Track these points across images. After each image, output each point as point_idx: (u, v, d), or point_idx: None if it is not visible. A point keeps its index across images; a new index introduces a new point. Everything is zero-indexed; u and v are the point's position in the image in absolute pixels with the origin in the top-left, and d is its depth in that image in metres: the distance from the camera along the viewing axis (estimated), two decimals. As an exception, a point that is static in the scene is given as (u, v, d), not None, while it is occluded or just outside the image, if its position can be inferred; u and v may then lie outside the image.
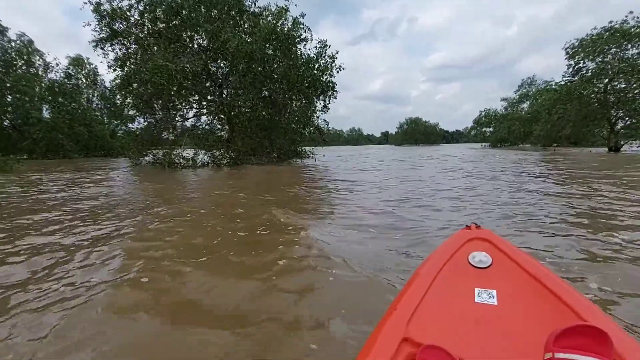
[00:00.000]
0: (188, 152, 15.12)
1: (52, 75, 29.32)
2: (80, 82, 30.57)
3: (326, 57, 16.45)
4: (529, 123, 45.55)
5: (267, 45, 13.64)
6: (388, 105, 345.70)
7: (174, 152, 14.23)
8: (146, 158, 15.12)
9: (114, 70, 14.95)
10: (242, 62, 13.14)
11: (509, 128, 47.95)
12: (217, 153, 15.11)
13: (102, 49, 14.76)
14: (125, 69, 14.63)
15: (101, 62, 14.75)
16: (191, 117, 16.37)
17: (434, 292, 1.00)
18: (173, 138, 14.91)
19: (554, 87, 24.83)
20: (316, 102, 17.22)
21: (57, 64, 28.55)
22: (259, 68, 13.89)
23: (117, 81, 14.74)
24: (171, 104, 14.00)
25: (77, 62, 29.80)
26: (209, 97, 15.59)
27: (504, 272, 1.04)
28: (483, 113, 55.52)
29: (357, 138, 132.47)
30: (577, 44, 22.34)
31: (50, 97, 28.09)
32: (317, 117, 17.95)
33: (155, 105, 14.75)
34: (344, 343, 1.46)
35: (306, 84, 15.48)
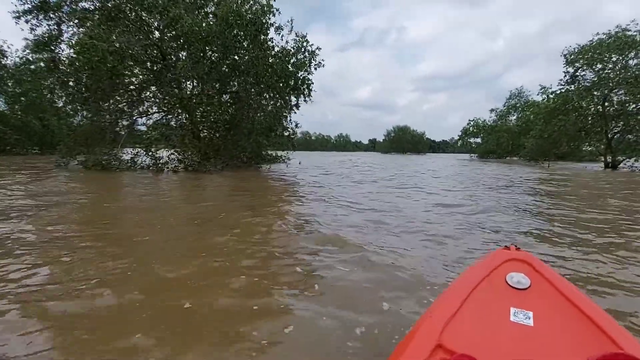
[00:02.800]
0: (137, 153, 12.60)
1: (8, 61, 25.95)
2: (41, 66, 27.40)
3: (305, 52, 14.22)
4: (517, 135, 44.67)
5: (229, 30, 11.23)
6: (376, 112, 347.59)
7: (109, 152, 11.63)
8: (78, 158, 12.39)
9: (41, 50, 12.24)
10: (197, 47, 10.74)
11: (497, 140, 46.88)
12: (167, 154, 12.62)
13: (26, 22, 12.06)
14: (55, 50, 11.99)
15: (25, 38, 12.31)
16: (141, 114, 13.71)
17: (470, 305, 0.99)
18: (112, 137, 12.20)
19: (549, 95, 23.21)
20: (289, 101, 14.93)
21: (9, 47, 25.12)
22: (217, 55, 11.51)
23: (40, 64, 11.98)
24: (103, 93, 11.29)
25: (38, 46, 26.79)
26: (158, 89, 12.97)
27: (542, 295, 1.03)
28: (472, 123, 54.47)
29: (344, 144, 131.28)
30: (576, 50, 20.83)
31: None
32: (288, 118, 15.64)
33: (92, 96, 12.08)
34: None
35: (276, 79, 13.15)
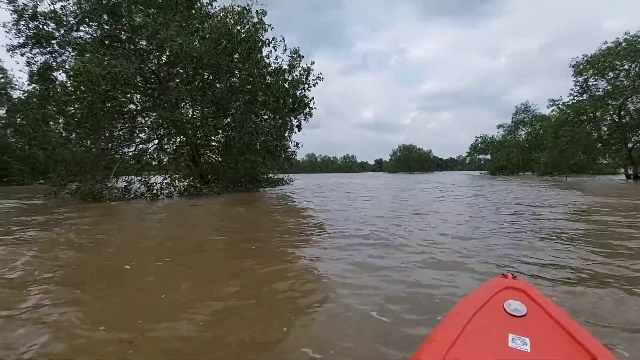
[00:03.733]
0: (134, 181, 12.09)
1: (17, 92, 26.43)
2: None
3: (300, 69, 13.85)
4: (528, 150, 43.46)
5: (220, 49, 10.87)
6: (381, 133, 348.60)
7: (102, 181, 11.06)
8: (69, 187, 11.84)
9: (37, 81, 12.03)
10: (188, 67, 10.37)
11: (507, 155, 45.69)
12: (161, 180, 12.07)
13: (21, 55, 11.97)
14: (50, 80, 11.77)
15: (20, 70, 12.26)
16: (136, 141, 13.24)
17: (470, 330, 1.04)
18: (104, 164, 11.67)
19: (560, 106, 22.35)
20: (288, 120, 14.40)
21: (18, 79, 25.63)
22: (210, 76, 11.12)
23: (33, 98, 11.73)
24: (95, 119, 10.83)
25: (33, 77, 27.42)
26: (156, 114, 12.56)
27: (538, 323, 1.07)
28: (479, 139, 53.54)
29: (350, 165, 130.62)
30: (584, 59, 20.17)
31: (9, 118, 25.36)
32: (288, 138, 15.07)
33: (86, 122, 11.69)
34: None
35: (273, 99, 12.68)
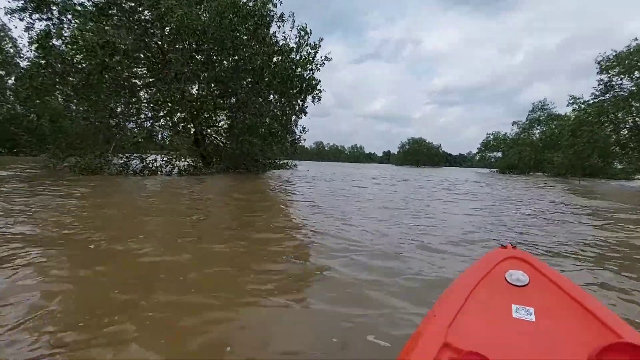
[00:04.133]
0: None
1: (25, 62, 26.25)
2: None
3: (307, 47, 13.24)
4: (541, 150, 42.19)
5: (225, 21, 10.28)
6: (390, 124, 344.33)
7: (102, 155, 10.76)
8: (68, 161, 11.58)
9: (37, 49, 11.62)
10: (190, 40, 9.86)
11: (519, 154, 44.45)
12: (160, 158, 11.74)
13: (20, 19, 11.54)
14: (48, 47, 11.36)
15: (19, 36, 11.57)
16: (141, 117, 12.85)
17: (472, 304, 1.00)
18: (103, 137, 11.34)
19: (581, 105, 21.33)
20: (294, 103, 13.88)
21: (24, 46, 25.34)
22: (214, 50, 10.57)
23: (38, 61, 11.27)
24: (93, 91, 10.40)
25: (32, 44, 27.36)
26: (158, 89, 12.10)
27: (541, 291, 1.05)
28: (492, 136, 52.22)
29: (358, 156, 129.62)
30: (612, 56, 19.05)
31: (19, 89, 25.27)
32: (295, 122, 14.58)
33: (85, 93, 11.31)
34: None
35: (279, 80, 12.14)
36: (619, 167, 27.55)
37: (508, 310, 0.96)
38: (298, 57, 13.00)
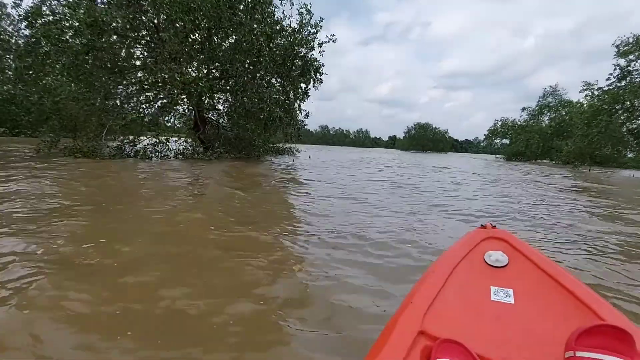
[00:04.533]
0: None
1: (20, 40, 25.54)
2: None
3: (308, 27, 12.60)
4: (550, 137, 41.15)
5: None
6: (396, 109, 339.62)
7: (96, 137, 10.42)
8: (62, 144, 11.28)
9: (27, 25, 11.12)
10: (184, 18, 9.28)
11: (527, 141, 43.42)
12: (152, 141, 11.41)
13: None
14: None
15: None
16: (141, 99, 12.39)
17: (450, 288, 0.98)
18: (94, 120, 10.95)
19: (595, 92, 20.44)
20: (297, 86, 13.34)
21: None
22: (210, 27, 9.99)
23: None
24: (82, 71, 9.94)
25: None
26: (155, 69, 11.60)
27: (521, 272, 1.02)
28: (499, 122, 50.99)
29: (363, 140, 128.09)
30: (631, 39, 18.05)
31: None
32: (297, 106, 14.06)
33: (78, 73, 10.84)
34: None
35: (279, 61, 11.58)
36: (630, 156, 26.82)
37: (487, 292, 0.95)
38: (299, 37, 12.36)
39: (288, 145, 17.84)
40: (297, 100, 14.66)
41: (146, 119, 10.66)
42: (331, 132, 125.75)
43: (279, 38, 11.72)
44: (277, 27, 12.03)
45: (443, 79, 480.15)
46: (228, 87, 12.76)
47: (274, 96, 12.61)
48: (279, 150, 16.61)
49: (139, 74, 11.79)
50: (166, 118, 12.32)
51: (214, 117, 14.92)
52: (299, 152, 18.31)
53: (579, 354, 0.61)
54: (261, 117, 11.78)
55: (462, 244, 1.18)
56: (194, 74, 11.29)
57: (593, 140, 19.00)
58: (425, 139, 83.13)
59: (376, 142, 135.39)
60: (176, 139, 12.38)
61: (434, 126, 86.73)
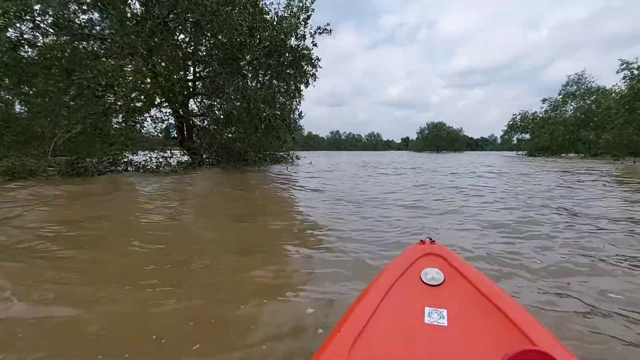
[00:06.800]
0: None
1: None
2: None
3: (298, 12, 10.75)
4: (576, 129, 37.88)
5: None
6: (408, 110, 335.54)
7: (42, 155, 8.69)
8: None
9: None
10: None
11: (551, 134, 40.12)
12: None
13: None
14: None
15: None
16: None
17: (383, 311, 0.96)
18: (40, 131, 9.15)
19: (635, 71, 17.69)
20: (289, 82, 11.46)
21: None
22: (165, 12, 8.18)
23: None
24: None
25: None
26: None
27: (456, 291, 1.02)
28: (518, 116, 47.72)
29: (375, 143, 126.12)
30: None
31: None
32: (290, 106, 12.19)
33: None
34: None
35: (265, 52, 9.74)
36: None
37: (421, 314, 0.93)
38: (287, 26, 10.49)
39: (287, 152, 15.95)
40: (290, 99, 12.80)
41: (110, 130, 8.79)
42: (342, 138, 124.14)
43: (264, 30, 9.84)
44: (262, 17, 10.17)
45: (454, 77, 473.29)
46: (204, 89, 11.00)
47: (262, 94, 10.71)
48: (276, 159, 14.68)
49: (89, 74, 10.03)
50: (139, 126, 10.46)
51: (201, 122, 13.20)
52: (298, 159, 16.37)
53: None
54: (247, 119, 9.89)
55: (400, 261, 1.16)
56: (159, 74, 9.52)
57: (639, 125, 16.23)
58: (439, 139, 79.90)
59: (389, 145, 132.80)
60: (148, 151, 10.48)
61: (447, 125, 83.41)
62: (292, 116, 12.37)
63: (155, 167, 9.49)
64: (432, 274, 1.06)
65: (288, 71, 11.49)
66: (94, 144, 8.14)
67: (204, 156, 12.57)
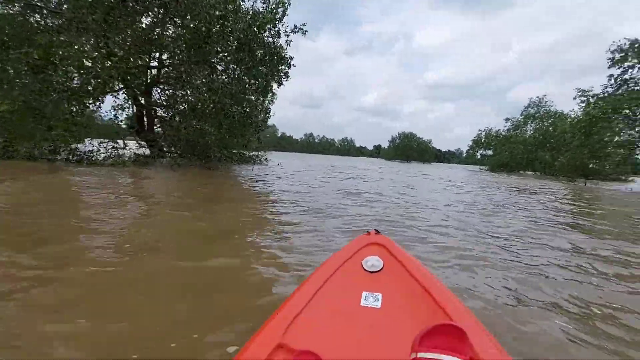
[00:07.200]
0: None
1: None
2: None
3: (274, 7, 10.31)
4: (534, 149, 40.36)
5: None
6: (381, 118, 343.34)
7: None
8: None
9: None
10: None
11: (511, 152, 42.54)
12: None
13: None
14: None
15: None
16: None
17: (322, 297, 1.00)
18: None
19: (591, 99, 19.01)
20: (260, 80, 10.92)
21: None
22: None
23: None
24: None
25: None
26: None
27: (392, 276, 1.07)
28: (483, 133, 50.14)
29: (348, 149, 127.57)
30: (627, 45, 16.72)
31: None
32: (260, 103, 11.66)
33: None
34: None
35: (235, 43, 9.20)
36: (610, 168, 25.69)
37: (358, 298, 0.97)
38: (261, 19, 9.99)
39: (255, 153, 15.34)
40: (261, 98, 12.28)
41: (52, 112, 7.77)
42: (316, 141, 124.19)
43: (236, 21, 9.28)
44: (235, 7, 9.60)
45: (427, 90, 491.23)
46: (169, 78, 10.23)
47: (230, 89, 10.09)
48: (244, 159, 14.02)
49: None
50: (88, 112, 9.43)
51: (164, 113, 12.30)
52: (267, 160, 15.80)
53: (420, 354, 0.62)
54: (212, 114, 9.25)
55: (345, 250, 1.21)
56: (112, 55, 8.59)
57: (595, 149, 17.36)
58: (410, 149, 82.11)
59: (361, 151, 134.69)
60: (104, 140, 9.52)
61: (418, 136, 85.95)
62: (260, 116, 11.81)
63: (102, 158, 8.55)
64: (373, 261, 1.12)
65: (261, 68, 11.01)
66: (28, 125, 7.17)
67: (165, 150, 11.73)
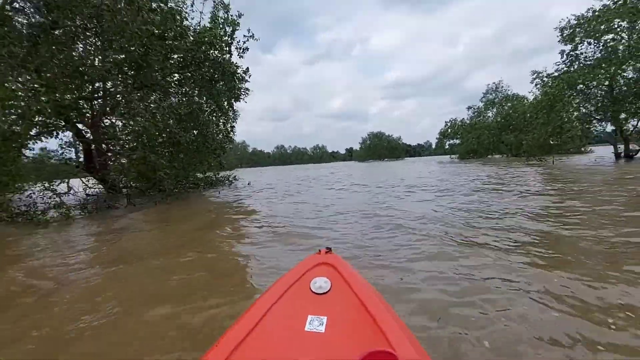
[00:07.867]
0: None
1: None
2: None
3: (223, 24, 9.59)
4: (498, 132, 41.76)
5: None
6: (350, 122, 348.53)
7: None
8: None
9: None
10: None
11: (477, 138, 43.89)
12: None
13: None
14: None
15: None
16: None
17: (269, 320, 0.97)
18: None
19: (545, 79, 19.64)
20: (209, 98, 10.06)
21: None
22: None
23: None
24: None
25: None
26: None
27: (339, 298, 1.03)
28: (449, 124, 51.52)
29: (321, 155, 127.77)
30: (574, 21, 17.36)
31: None
32: (221, 125, 10.81)
33: None
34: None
35: (179, 59, 8.34)
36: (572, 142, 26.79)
37: (303, 322, 0.94)
38: (208, 36, 9.19)
39: (225, 173, 14.35)
40: (221, 117, 11.43)
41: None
42: (288, 152, 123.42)
43: (178, 38, 8.42)
44: (175, 23, 8.73)
45: (389, 89, 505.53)
46: (111, 107, 9.17)
47: (181, 112, 9.13)
48: (211, 182, 12.98)
49: None
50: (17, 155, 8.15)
51: (113, 147, 11.10)
52: (236, 179, 14.84)
53: None
54: (158, 143, 8.29)
55: (294, 271, 1.17)
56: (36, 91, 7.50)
57: (560, 126, 17.79)
58: (381, 148, 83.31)
59: (334, 156, 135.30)
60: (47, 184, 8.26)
61: (387, 134, 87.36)
62: (218, 136, 10.90)
63: (40, 212, 7.28)
64: (320, 282, 1.08)
65: (218, 85, 10.20)
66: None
67: (122, 186, 10.60)
